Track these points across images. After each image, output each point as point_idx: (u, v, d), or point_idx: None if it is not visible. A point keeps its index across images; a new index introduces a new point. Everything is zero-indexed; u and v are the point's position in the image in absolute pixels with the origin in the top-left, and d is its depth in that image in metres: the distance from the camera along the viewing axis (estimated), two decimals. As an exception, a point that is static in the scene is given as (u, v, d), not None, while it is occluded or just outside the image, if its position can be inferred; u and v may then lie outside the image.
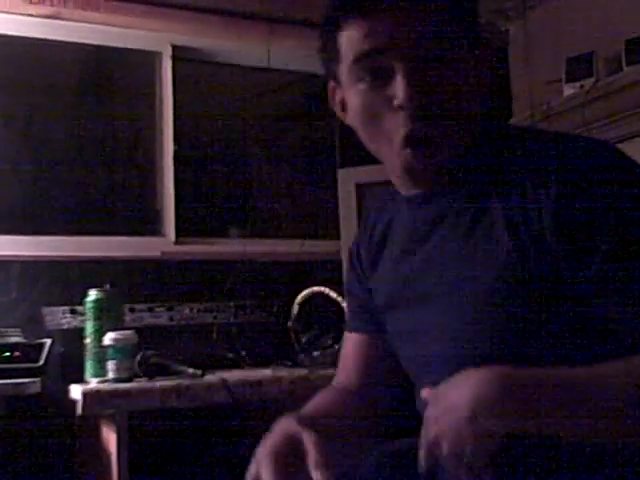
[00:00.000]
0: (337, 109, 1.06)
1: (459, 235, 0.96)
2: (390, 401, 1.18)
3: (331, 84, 1.05)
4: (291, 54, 2.97)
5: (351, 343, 1.20)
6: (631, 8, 2.74)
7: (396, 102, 0.91)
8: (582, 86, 2.77)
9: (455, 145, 0.95)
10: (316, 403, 1.10)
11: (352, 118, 1.00)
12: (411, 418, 1.02)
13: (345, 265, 1.21)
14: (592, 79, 2.76)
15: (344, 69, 0.97)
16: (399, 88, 0.90)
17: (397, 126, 0.92)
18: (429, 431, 0.83)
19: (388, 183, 1.09)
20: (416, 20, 0.91)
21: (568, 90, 2.84)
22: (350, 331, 1.21)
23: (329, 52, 0.99)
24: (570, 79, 2.84)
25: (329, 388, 1.19)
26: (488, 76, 1.01)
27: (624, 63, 2.66)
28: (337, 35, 0.96)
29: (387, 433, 1.17)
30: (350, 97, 0.99)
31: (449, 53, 0.93)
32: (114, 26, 2.74)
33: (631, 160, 0.91)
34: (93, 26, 2.71)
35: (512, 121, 3.18)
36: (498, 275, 0.91)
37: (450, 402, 0.82)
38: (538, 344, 0.90)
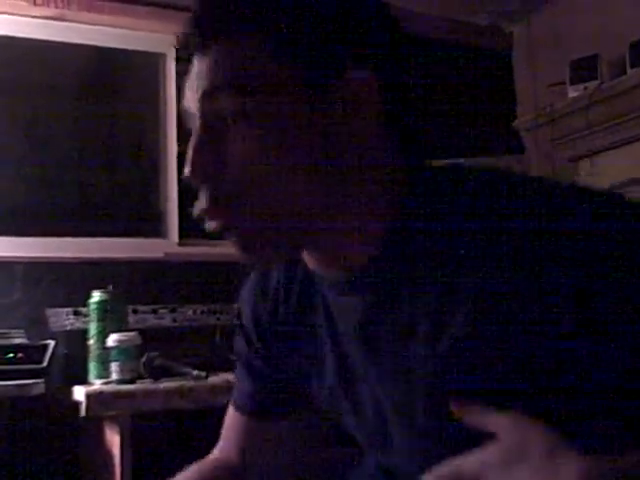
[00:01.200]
0: None
1: (395, 333, 0.76)
2: None
3: None
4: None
5: (234, 419, 1.04)
6: (635, 11, 2.74)
7: None
8: (586, 88, 2.78)
9: (271, 225, 0.72)
10: None
11: None
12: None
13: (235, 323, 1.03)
14: (596, 82, 2.76)
15: None
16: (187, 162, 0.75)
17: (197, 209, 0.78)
18: None
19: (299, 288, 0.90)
20: (209, 64, 0.72)
21: (572, 93, 2.84)
22: (234, 408, 1.03)
23: None
24: (574, 82, 2.84)
25: (204, 462, 1.06)
26: (366, 128, 0.71)
27: (628, 66, 2.66)
28: None
29: None
30: None
31: (258, 109, 0.69)
32: (118, 28, 2.75)
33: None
34: (97, 28, 2.72)
35: (516, 123, 3.19)
36: (432, 380, 0.74)
37: None
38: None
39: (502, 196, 0.69)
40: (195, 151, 0.71)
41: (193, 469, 1.03)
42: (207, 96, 0.70)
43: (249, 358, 0.98)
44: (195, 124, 0.72)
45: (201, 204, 0.73)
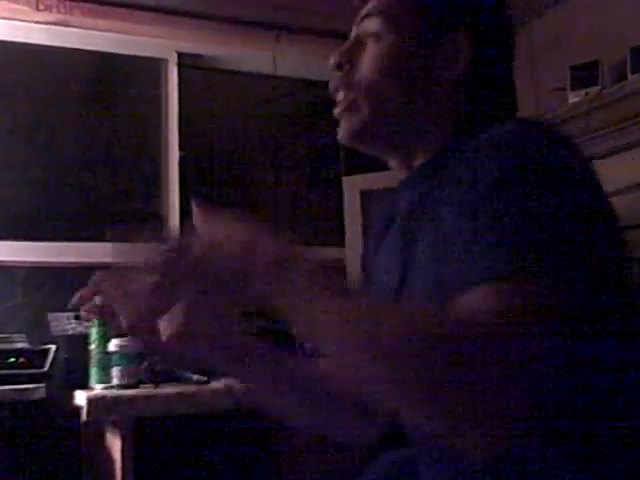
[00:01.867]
0: None
1: (426, 225, 0.93)
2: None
3: None
4: (297, 61, 2.98)
5: None
6: (636, 16, 2.74)
7: None
8: (587, 94, 2.77)
9: (376, 117, 0.98)
10: None
11: None
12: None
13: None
14: (597, 87, 2.76)
15: None
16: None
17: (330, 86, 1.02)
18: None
19: (393, 190, 1.09)
20: (373, 2, 0.99)
21: (573, 98, 2.83)
22: None
23: None
24: (575, 87, 2.84)
25: None
26: (456, 74, 0.96)
27: (629, 71, 2.66)
28: None
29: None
30: None
31: (386, 34, 0.97)
32: (120, 33, 2.76)
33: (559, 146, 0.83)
34: (99, 33, 2.73)
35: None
36: (432, 266, 0.86)
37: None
38: None
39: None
40: (343, 48, 1.00)
41: None
42: (362, 18, 1.00)
43: (363, 263, 1.16)
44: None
45: (334, 83, 1.01)
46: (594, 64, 2.79)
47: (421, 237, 0.92)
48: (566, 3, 3.08)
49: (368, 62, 0.98)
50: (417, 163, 1.00)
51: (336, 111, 1.01)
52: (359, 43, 1.00)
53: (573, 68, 2.86)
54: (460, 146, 0.90)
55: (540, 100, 3.11)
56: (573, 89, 2.84)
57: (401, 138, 1.00)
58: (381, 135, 1.00)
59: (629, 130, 2.64)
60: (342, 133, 1.00)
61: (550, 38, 3.15)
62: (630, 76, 2.65)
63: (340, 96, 1.00)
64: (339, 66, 0.99)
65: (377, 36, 0.98)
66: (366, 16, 0.99)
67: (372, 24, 0.98)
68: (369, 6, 0.99)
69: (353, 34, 1.01)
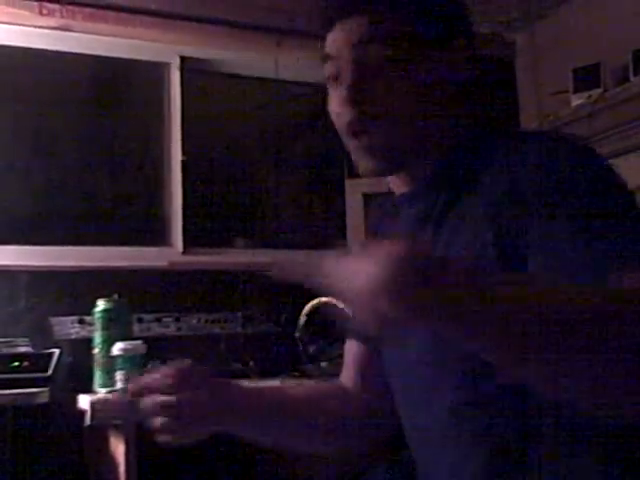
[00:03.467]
0: None
1: (443, 233, 0.98)
2: (388, 415, 1.15)
3: None
4: (299, 65, 2.98)
5: (350, 351, 1.21)
6: (638, 19, 2.75)
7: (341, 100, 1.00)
8: (589, 97, 2.78)
9: (400, 139, 0.99)
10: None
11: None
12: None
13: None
14: (599, 90, 2.76)
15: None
16: (341, 88, 0.99)
17: (345, 121, 1.01)
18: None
19: (394, 193, 1.10)
20: (362, 22, 0.98)
21: (575, 101, 2.84)
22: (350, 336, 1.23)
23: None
24: (577, 90, 2.84)
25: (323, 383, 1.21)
26: (463, 76, 1.03)
27: (631, 74, 2.66)
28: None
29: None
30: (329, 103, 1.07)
31: (395, 53, 0.97)
32: (123, 37, 2.76)
33: (596, 160, 0.93)
34: (102, 38, 2.73)
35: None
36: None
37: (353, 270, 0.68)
38: None
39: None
40: (354, 79, 0.98)
41: (310, 384, 1.22)
42: (355, 44, 0.98)
43: None
44: (342, 64, 1.00)
45: (346, 117, 0.99)
46: (596, 67, 2.79)
47: (454, 243, 0.95)
48: (568, 6, 3.08)
49: (393, 89, 0.98)
50: (419, 174, 1.03)
51: (360, 145, 1.00)
52: (362, 72, 0.98)
53: (575, 71, 2.87)
54: (474, 155, 0.98)
55: (543, 103, 3.11)
56: (575, 92, 2.85)
57: (420, 152, 1.02)
58: (410, 154, 1.02)
59: (632, 132, 2.64)
60: (372, 166, 1.01)
61: (552, 41, 3.15)
62: (632, 78, 2.66)
63: (358, 127, 0.99)
64: (355, 102, 0.98)
65: (390, 61, 0.98)
66: (363, 42, 0.98)
67: (376, 50, 0.98)
68: (362, 31, 0.98)
69: (348, 64, 0.99)
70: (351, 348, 1.21)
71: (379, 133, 0.98)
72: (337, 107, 1.01)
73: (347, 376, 1.21)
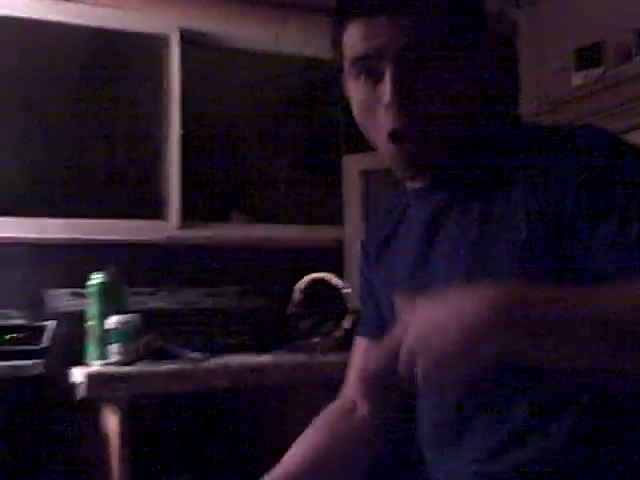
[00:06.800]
0: (349, 97, 1.08)
1: (470, 222, 0.98)
2: (396, 419, 1.16)
3: (344, 74, 1.07)
4: (300, 39, 2.95)
5: (358, 349, 1.21)
6: (642, -2, 2.72)
7: (383, 101, 0.96)
8: (591, 76, 2.75)
9: (443, 143, 1.00)
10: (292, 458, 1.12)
11: (354, 110, 1.05)
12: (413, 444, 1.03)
13: (360, 256, 1.23)
14: (601, 69, 2.74)
15: (346, 65, 1.03)
16: (386, 88, 0.96)
17: (385, 122, 0.98)
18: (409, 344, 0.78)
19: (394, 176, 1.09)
20: (407, 23, 0.95)
21: (577, 80, 2.82)
22: (358, 334, 1.22)
23: (336, 47, 1.04)
24: (579, 69, 2.82)
25: (322, 418, 1.17)
26: (490, 74, 1.04)
27: (634, 53, 2.64)
28: (342, 33, 1.01)
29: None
30: (351, 91, 1.04)
31: (440, 55, 0.96)
32: (122, 9, 2.73)
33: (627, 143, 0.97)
34: (100, 8, 2.70)
35: (519, 110, 3.17)
36: (516, 260, 0.92)
37: (437, 320, 0.77)
38: None
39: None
40: (401, 84, 0.95)
41: (320, 423, 1.16)
42: (410, 48, 0.95)
43: (366, 273, 1.20)
44: (385, 66, 0.96)
45: (394, 121, 0.97)
46: (598, 46, 2.77)
47: (488, 233, 0.96)
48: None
49: (440, 94, 0.97)
50: (433, 168, 1.03)
51: (401, 151, 0.98)
52: (410, 76, 0.96)
53: (577, 50, 2.84)
54: (499, 150, 1.00)
55: (544, 82, 3.09)
56: (577, 71, 2.82)
57: (451, 153, 1.02)
58: (444, 157, 1.02)
59: (633, 111, 2.62)
60: (413, 172, 1.02)
61: (555, 20, 3.12)
62: (635, 57, 2.63)
63: (403, 133, 0.97)
64: (401, 108, 0.96)
65: (434, 66, 0.96)
66: (412, 45, 0.95)
67: (424, 54, 0.95)
68: (409, 33, 0.95)
69: (394, 67, 0.96)
70: (360, 345, 1.20)
71: (424, 140, 0.98)
72: (377, 112, 0.98)
73: (354, 377, 1.20)
